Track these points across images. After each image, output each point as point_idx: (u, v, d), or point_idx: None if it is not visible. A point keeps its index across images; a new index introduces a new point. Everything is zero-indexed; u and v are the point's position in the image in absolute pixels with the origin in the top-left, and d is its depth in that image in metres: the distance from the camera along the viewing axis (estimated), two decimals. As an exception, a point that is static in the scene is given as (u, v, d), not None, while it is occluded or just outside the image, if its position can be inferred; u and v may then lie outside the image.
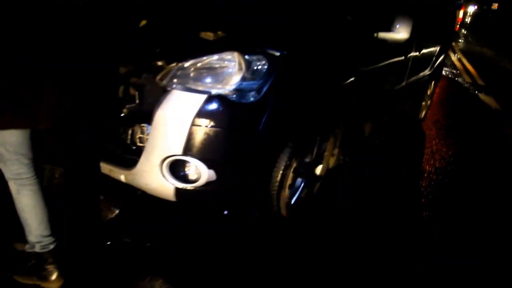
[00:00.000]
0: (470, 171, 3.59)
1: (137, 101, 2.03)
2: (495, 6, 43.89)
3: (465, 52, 12.23)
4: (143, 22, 2.14)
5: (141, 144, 1.99)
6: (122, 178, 2.04)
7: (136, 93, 2.03)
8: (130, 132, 2.00)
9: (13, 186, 1.68)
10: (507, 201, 3.12)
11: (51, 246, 1.75)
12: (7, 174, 1.66)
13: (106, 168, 2.08)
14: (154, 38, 2.13)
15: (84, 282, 1.80)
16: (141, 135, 1.99)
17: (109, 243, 2.01)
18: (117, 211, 2.11)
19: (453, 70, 8.74)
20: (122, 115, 2.03)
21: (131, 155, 2.00)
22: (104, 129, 2.01)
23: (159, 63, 2.00)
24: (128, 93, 2.16)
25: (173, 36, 2.13)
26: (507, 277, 2.25)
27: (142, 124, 1.97)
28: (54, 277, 1.76)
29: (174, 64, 1.90)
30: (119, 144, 2.04)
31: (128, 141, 2.01)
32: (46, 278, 1.76)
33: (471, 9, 33.83)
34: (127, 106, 2.03)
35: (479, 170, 3.66)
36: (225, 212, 2.40)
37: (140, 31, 2.15)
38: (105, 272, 1.87)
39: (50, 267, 1.76)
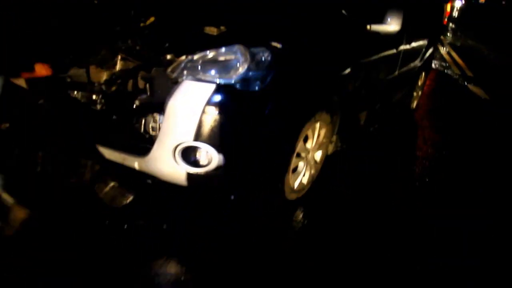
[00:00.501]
0: (461, 157, 3.80)
1: (148, 93, 2.18)
2: (482, 0, 44.57)
3: (453, 46, 12.48)
4: (151, 19, 2.29)
5: (153, 133, 2.14)
6: (136, 165, 2.19)
7: (147, 85, 2.18)
8: (143, 121, 2.15)
9: None
10: (496, 184, 3.33)
11: None
12: None
13: (119, 156, 2.23)
14: (161, 33, 2.28)
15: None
16: (153, 124, 2.14)
17: (125, 226, 2.16)
18: (131, 197, 2.26)
19: (442, 63, 8.97)
20: (134, 106, 2.18)
21: (143, 144, 2.15)
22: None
23: (168, 57, 2.16)
24: (137, 86, 2.32)
25: (179, 32, 2.28)
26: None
27: (154, 114, 2.13)
28: None
29: (183, 57, 2.06)
30: (133, 133, 2.19)
31: (142, 130, 2.16)
32: None
33: (458, 3, 34.36)
34: (138, 97, 2.18)
35: (469, 155, 3.87)
36: (232, 197, 2.56)
37: (148, 28, 2.30)
38: (123, 252, 2.02)
39: None
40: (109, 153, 2.26)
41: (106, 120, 2.33)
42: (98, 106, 2.38)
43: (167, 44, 2.20)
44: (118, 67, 2.41)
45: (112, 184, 2.25)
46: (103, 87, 2.37)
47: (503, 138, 4.49)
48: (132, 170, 2.22)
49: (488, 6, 39.57)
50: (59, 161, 2.22)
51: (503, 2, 38.52)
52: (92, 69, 2.47)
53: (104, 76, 2.42)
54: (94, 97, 2.41)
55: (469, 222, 2.70)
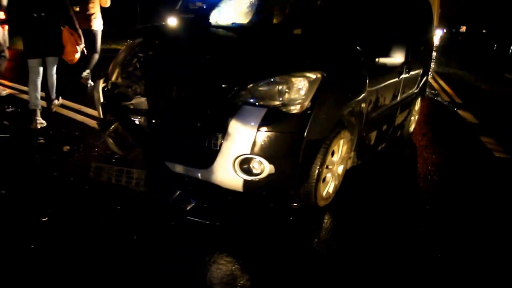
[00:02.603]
0: (456, 172, 4.50)
1: (209, 116, 2.79)
2: (463, 28, 47.18)
3: (440, 74, 13.53)
4: (208, 57, 2.94)
5: (215, 148, 2.74)
6: (199, 175, 2.79)
7: (208, 110, 2.79)
8: (208, 139, 2.75)
9: None
10: (485, 191, 4.05)
11: None
12: None
13: (184, 169, 2.83)
14: (216, 68, 2.92)
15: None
16: (215, 141, 2.74)
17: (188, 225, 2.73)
18: (193, 203, 2.83)
19: (431, 90, 9.85)
20: (198, 127, 2.78)
21: (207, 158, 2.74)
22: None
23: (225, 86, 2.79)
24: (200, 110, 2.94)
25: (231, 65, 2.93)
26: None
27: (216, 133, 2.74)
28: None
29: (240, 87, 2.70)
30: (197, 149, 2.78)
31: (206, 146, 2.76)
32: None
33: (439, 32, 36.42)
34: (201, 120, 2.79)
35: (464, 171, 4.58)
36: (271, 205, 3.16)
37: (206, 63, 2.94)
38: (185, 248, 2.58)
39: None
40: (174, 166, 2.86)
41: (170, 139, 2.93)
42: (156, 128, 2.99)
43: (222, 77, 2.84)
44: (173, 95, 3.03)
45: (178, 192, 2.81)
46: (163, 113, 2.99)
47: (491, 157, 5.22)
48: (195, 179, 2.83)
49: (469, 34, 41.90)
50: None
51: (484, 31, 40.93)
52: (150, 98, 3.10)
53: (160, 104, 3.04)
54: (153, 121, 3.02)
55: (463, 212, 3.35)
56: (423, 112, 7.04)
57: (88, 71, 6.91)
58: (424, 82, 5.37)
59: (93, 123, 4.73)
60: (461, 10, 41.09)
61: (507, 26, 31.53)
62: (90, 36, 6.62)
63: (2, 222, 2.67)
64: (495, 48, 31.29)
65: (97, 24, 6.77)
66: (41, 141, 4.05)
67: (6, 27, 5.74)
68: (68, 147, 3.89)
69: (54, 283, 2.18)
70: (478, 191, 4.06)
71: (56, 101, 5.08)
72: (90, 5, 6.61)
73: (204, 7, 4.53)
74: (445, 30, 42.84)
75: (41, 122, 4.49)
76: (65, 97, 5.61)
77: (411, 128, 5.54)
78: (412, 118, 5.41)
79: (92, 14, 6.66)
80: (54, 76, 4.90)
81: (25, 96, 5.61)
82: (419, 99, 5.44)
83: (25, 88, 5.91)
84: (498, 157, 5.13)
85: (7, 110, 5.00)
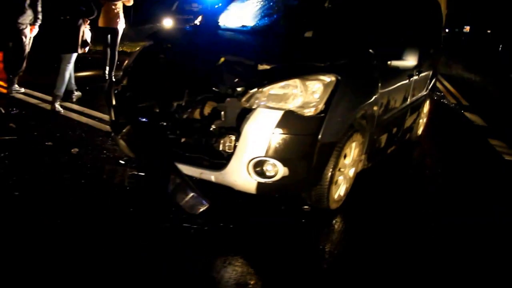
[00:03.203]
0: (466, 176, 4.56)
1: (223, 119, 2.84)
2: (467, 29, 47.37)
3: (444, 75, 13.58)
4: (222, 59, 2.99)
5: (229, 151, 2.79)
6: (213, 178, 2.84)
7: (222, 113, 2.84)
8: (221, 142, 2.80)
9: None
10: (497, 194, 4.11)
11: None
12: None
13: (197, 171, 2.88)
14: (231, 70, 2.97)
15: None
16: (229, 144, 2.79)
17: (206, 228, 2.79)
18: (207, 205, 2.88)
19: (437, 92, 9.89)
20: (211, 129, 2.84)
21: (220, 160, 2.79)
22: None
23: (239, 89, 2.85)
24: (204, 113, 3.00)
25: (245, 69, 2.98)
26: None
27: (230, 135, 2.79)
28: None
29: (255, 90, 2.75)
30: (210, 151, 2.84)
31: (220, 149, 2.81)
32: None
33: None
34: (215, 122, 2.84)
35: (474, 175, 4.63)
36: (283, 208, 3.21)
37: (220, 66, 2.99)
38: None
39: None
40: (186, 169, 2.91)
41: (182, 141, 2.98)
42: (168, 131, 3.05)
43: (236, 79, 2.89)
44: (185, 98, 3.09)
45: (191, 194, 2.86)
46: (176, 115, 3.04)
47: (501, 160, 5.28)
48: (208, 182, 2.88)
49: (473, 34, 42.00)
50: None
51: (488, 31, 41.07)
52: (162, 101, 3.15)
53: (172, 107, 3.09)
54: (164, 123, 3.08)
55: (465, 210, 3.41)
56: (430, 115, 7.11)
57: (108, 68, 7.38)
58: (433, 85, 5.43)
59: (99, 125, 4.80)
60: (466, 10, 41.24)
61: (512, 27, 31.67)
62: (112, 35, 7.20)
63: (18, 223, 2.73)
64: (500, 48, 31.38)
65: (121, 24, 7.21)
66: (49, 143, 4.09)
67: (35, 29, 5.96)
68: (77, 149, 3.93)
69: (66, 281, 2.24)
70: (490, 194, 4.11)
71: (56, 103, 5.27)
72: (116, 5, 7.04)
73: (208, 8, 4.62)
74: (447, 30, 43.01)
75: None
76: (69, 100, 5.70)
77: (420, 131, 5.58)
78: (421, 121, 5.46)
79: (117, 13, 7.07)
80: (67, 72, 5.34)
81: (31, 100, 5.70)
82: (428, 102, 5.49)
83: (31, 92, 6.03)
84: (508, 160, 5.19)
85: (12, 112, 5.05)
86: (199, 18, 4.42)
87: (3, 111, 4.99)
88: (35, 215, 2.83)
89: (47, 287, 2.23)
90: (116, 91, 3.30)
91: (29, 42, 5.92)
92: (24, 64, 5.90)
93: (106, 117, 4.89)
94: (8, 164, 3.55)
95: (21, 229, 2.68)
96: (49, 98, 5.43)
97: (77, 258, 2.43)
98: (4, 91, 6.01)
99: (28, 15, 5.68)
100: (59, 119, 4.97)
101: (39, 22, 5.85)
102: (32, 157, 3.76)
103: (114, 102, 3.26)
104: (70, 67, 5.44)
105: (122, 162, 3.63)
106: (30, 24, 5.78)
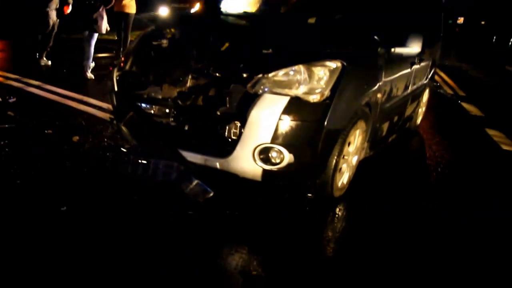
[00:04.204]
0: (465, 165, 4.59)
1: (228, 105, 2.82)
2: (460, 20, 47.34)
3: (439, 66, 13.61)
4: (226, 45, 2.96)
5: (234, 137, 2.77)
6: (218, 165, 2.82)
7: (227, 98, 2.82)
8: (226, 128, 2.78)
9: None
10: (496, 184, 4.13)
11: None
12: None
13: (201, 158, 2.86)
14: (236, 56, 2.94)
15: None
16: (234, 130, 2.77)
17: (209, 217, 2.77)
18: (211, 193, 2.86)
19: (433, 83, 9.92)
20: (217, 115, 2.81)
21: (226, 147, 2.77)
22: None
23: (244, 75, 2.82)
24: (208, 99, 2.96)
25: (250, 54, 2.95)
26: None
27: (235, 121, 2.76)
28: None
29: (260, 75, 2.72)
30: (215, 138, 2.81)
31: (226, 135, 2.79)
32: None
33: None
34: (220, 109, 2.81)
35: (473, 164, 4.67)
36: (286, 195, 3.20)
37: (224, 52, 2.96)
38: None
39: None
40: (191, 156, 2.88)
41: (186, 128, 2.95)
42: (172, 118, 3.02)
43: (241, 65, 2.86)
44: (188, 84, 3.06)
45: (196, 181, 2.84)
46: (179, 101, 3.01)
47: (499, 150, 5.30)
48: (213, 169, 2.85)
49: (467, 25, 42.01)
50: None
51: (482, 22, 41.10)
52: (165, 87, 3.11)
53: (175, 93, 3.06)
54: (167, 110, 3.05)
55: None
56: (427, 104, 7.13)
57: (122, 50, 8.06)
58: (432, 74, 5.43)
59: (98, 113, 4.76)
60: (460, 1, 41.21)
61: (506, 18, 31.71)
62: (125, 19, 8.07)
63: (21, 212, 2.70)
64: (494, 40, 31.47)
65: (132, 8, 7.99)
66: (49, 131, 4.05)
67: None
68: (78, 137, 3.90)
69: (74, 273, 2.22)
70: (489, 183, 4.14)
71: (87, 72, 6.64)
72: None
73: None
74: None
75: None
76: (67, 88, 5.65)
77: (419, 120, 5.59)
78: (420, 110, 5.47)
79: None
80: (91, 48, 6.60)
81: (30, 89, 5.66)
82: (427, 91, 5.49)
83: (29, 80, 5.98)
84: (506, 150, 5.22)
85: (9, 101, 4.98)
86: (197, 6, 4.37)
87: (0, 100, 4.92)
88: (37, 204, 2.80)
89: (46, 284, 2.16)
90: (118, 78, 3.26)
91: (56, 23, 7.27)
92: (52, 40, 7.32)
93: (105, 105, 4.86)
94: (9, 152, 3.50)
95: (21, 219, 2.64)
96: (49, 86, 5.65)
97: (79, 245, 2.41)
98: (0, 79, 5.95)
99: (54, 2, 7.14)
100: (58, 108, 4.92)
101: (71, 1, 7.29)
102: (32, 145, 3.71)
103: (116, 88, 3.22)
104: (93, 42, 6.62)
105: (124, 150, 3.59)
106: (63, 5, 7.23)
